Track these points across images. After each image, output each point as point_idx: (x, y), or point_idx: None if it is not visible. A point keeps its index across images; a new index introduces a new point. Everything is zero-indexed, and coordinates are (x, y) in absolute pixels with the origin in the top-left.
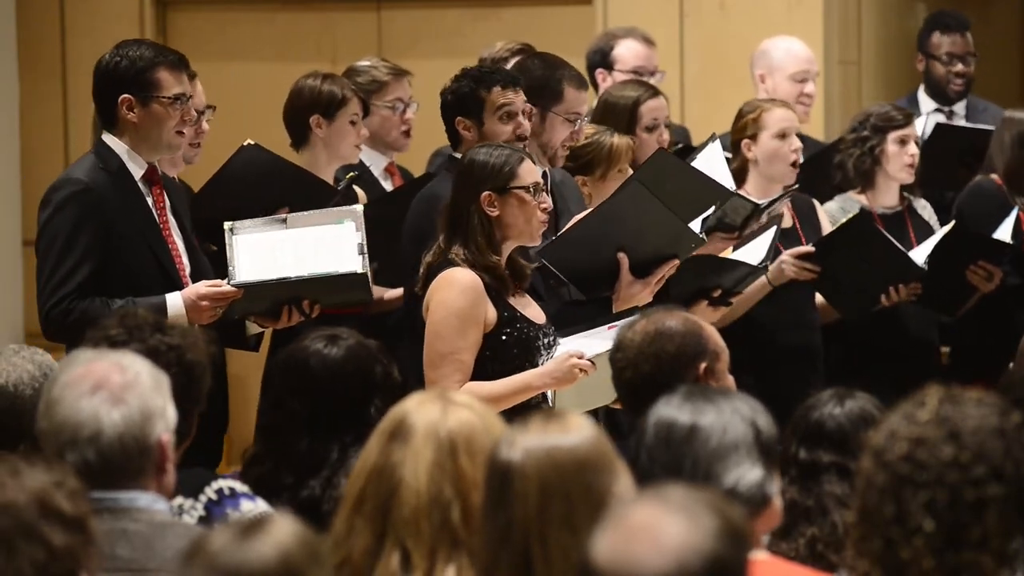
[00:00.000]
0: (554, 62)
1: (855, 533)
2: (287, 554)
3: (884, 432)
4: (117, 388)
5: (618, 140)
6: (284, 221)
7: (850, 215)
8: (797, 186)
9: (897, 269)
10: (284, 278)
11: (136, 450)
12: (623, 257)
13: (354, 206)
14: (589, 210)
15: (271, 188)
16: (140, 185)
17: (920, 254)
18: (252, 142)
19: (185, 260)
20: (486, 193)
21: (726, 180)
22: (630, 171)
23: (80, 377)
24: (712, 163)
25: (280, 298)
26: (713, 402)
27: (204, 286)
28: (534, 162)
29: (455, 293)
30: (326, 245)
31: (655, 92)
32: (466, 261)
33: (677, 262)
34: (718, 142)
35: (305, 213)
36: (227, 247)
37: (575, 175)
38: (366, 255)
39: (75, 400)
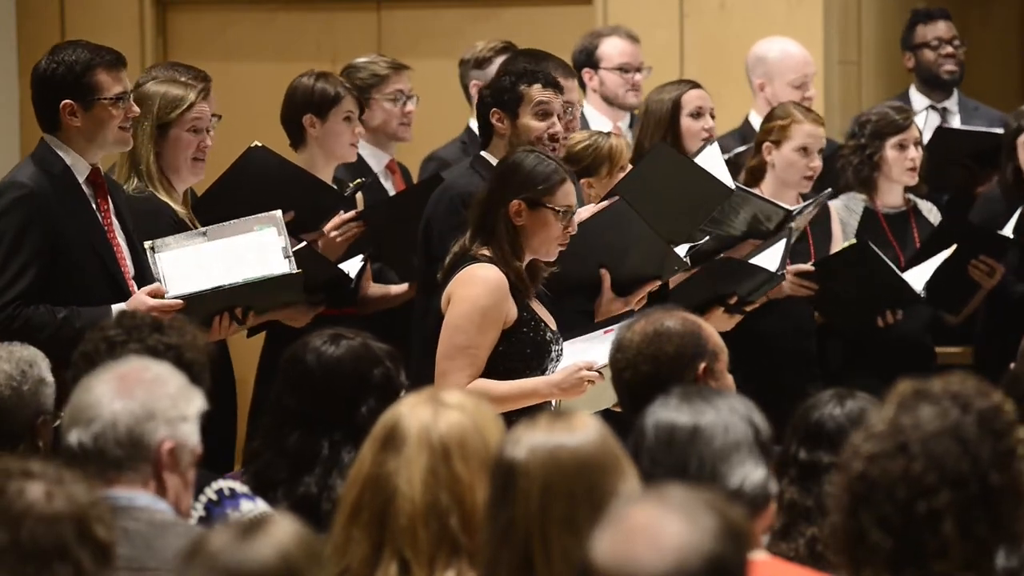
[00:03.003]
0: (538, 55)
1: (830, 548)
2: (287, 554)
3: (849, 449)
4: (132, 381)
5: (616, 140)
6: (204, 234)
7: (851, 242)
8: (830, 191)
9: (896, 294)
10: (219, 286)
11: (128, 441)
12: (605, 274)
13: (273, 212)
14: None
15: (277, 192)
16: (84, 187)
17: (919, 279)
18: (259, 144)
19: (129, 263)
20: (516, 201)
21: (726, 180)
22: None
23: (111, 372)
24: (710, 166)
25: (214, 308)
26: (710, 402)
27: (147, 296)
28: (576, 184)
29: (481, 290)
30: (250, 252)
31: (695, 84)
32: (492, 259)
33: (659, 283)
34: (716, 145)
35: (224, 224)
36: (151, 265)
37: (579, 179)
38: (292, 258)
39: (93, 385)
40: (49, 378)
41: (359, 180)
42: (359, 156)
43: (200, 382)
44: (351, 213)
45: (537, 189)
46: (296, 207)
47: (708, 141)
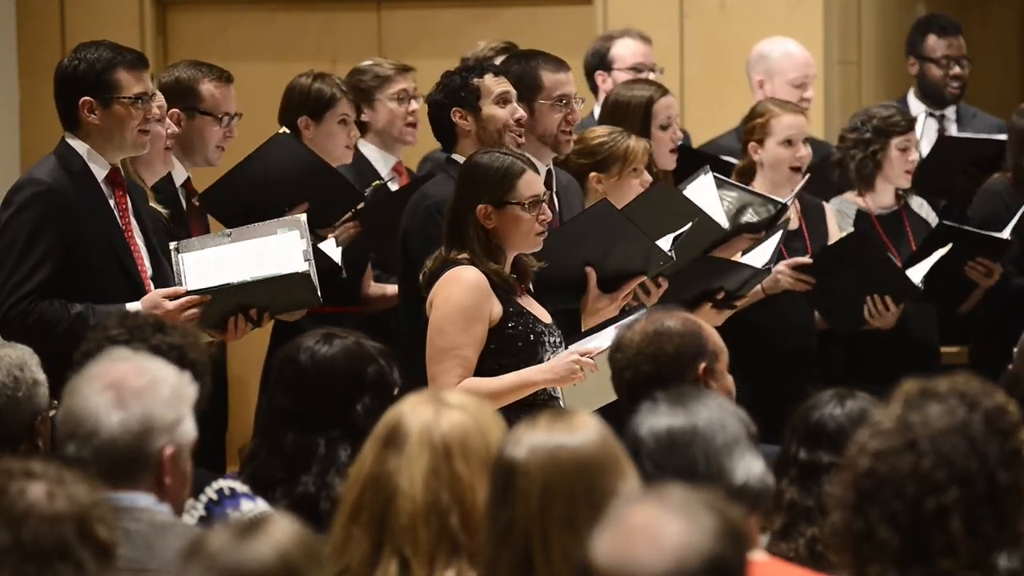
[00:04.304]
0: (525, 55)
1: (832, 546)
2: (286, 554)
3: (855, 446)
4: (127, 392)
5: (635, 142)
6: (229, 235)
7: (850, 231)
8: (808, 175)
9: (895, 288)
10: (227, 284)
11: (128, 456)
12: (591, 272)
13: (298, 216)
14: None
15: (297, 181)
16: (103, 187)
17: (917, 273)
18: (287, 131)
19: (147, 262)
20: (482, 206)
21: (718, 215)
22: (646, 173)
23: (102, 372)
24: (703, 195)
25: (227, 308)
26: (700, 402)
27: (162, 298)
28: (537, 172)
29: (460, 290)
30: (271, 254)
31: (665, 91)
32: (470, 260)
33: (645, 278)
34: (710, 175)
35: (250, 226)
36: (174, 265)
37: (590, 171)
38: (312, 261)
39: (87, 394)
40: (41, 376)
41: (378, 182)
42: (365, 158)
43: (202, 382)
44: (347, 213)
45: (498, 189)
46: (312, 199)
47: (675, 152)
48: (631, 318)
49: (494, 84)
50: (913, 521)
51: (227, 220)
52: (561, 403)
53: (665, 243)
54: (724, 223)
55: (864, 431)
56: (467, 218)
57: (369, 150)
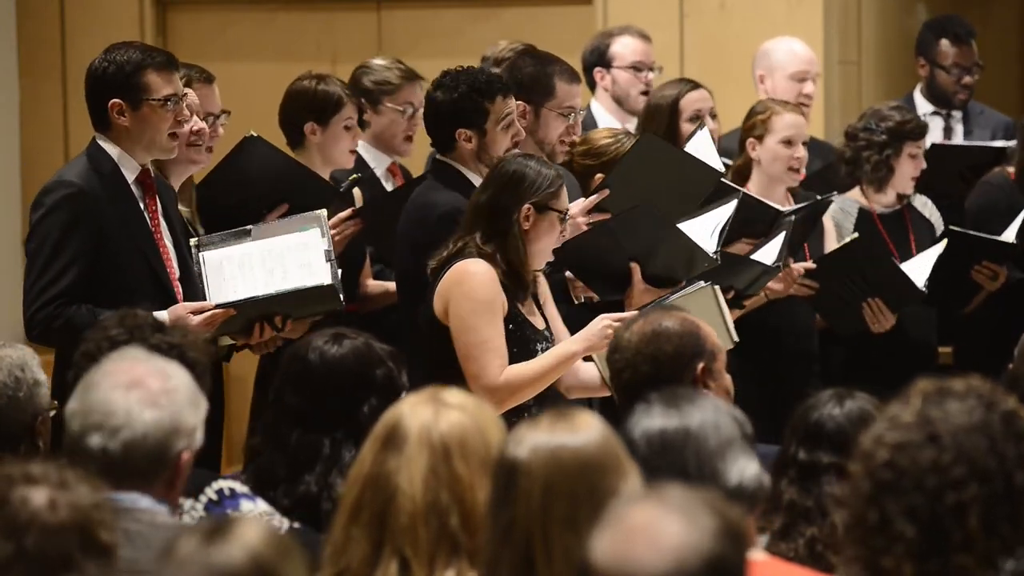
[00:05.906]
0: (544, 58)
1: (845, 540)
2: (256, 554)
3: (870, 437)
4: (155, 391)
5: None
6: (249, 233)
7: (854, 236)
8: (835, 194)
9: (898, 291)
10: (254, 296)
11: (155, 455)
12: (635, 267)
13: (318, 211)
14: (601, 219)
15: (272, 183)
16: (133, 188)
17: (920, 275)
18: (255, 134)
19: (175, 265)
20: (528, 205)
21: (715, 164)
22: None
23: (120, 371)
24: (700, 151)
25: (252, 315)
26: (694, 403)
27: (188, 312)
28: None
29: (476, 284)
30: (293, 254)
31: (695, 85)
32: (482, 252)
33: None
34: (706, 130)
35: (269, 223)
36: (195, 263)
37: (596, 172)
38: (334, 262)
39: (110, 389)
40: (42, 377)
41: (354, 176)
42: (360, 156)
43: (202, 381)
44: (347, 212)
45: (546, 193)
46: (290, 199)
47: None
48: (680, 292)
49: (503, 108)
50: (931, 515)
51: (207, 225)
52: (597, 367)
53: (711, 245)
54: (719, 167)
55: (881, 424)
56: (509, 218)
57: (364, 148)
